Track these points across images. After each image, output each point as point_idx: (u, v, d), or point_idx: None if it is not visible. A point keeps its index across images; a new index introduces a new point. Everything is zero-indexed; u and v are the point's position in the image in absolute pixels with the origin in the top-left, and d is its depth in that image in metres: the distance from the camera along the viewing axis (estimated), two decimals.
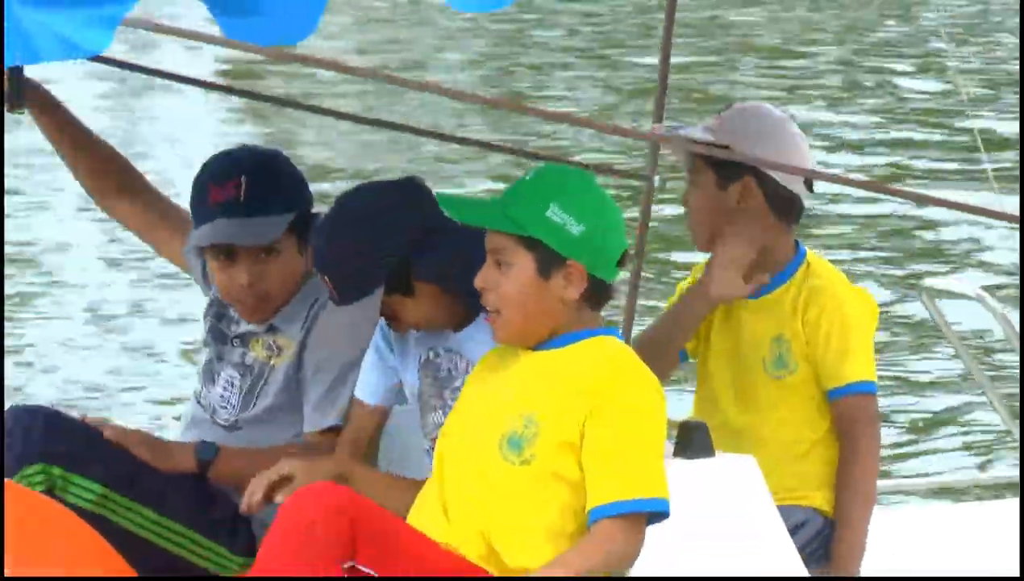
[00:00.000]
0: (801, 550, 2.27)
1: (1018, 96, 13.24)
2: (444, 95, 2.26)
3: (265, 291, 2.35)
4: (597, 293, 1.86)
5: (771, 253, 2.43)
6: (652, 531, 1.82)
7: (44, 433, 2.17)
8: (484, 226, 1.86)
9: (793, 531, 2.29)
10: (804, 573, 1.99)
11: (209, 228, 2.29)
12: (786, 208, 2.46)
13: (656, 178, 2.70)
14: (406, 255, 2.03)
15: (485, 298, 1.86)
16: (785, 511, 2.31)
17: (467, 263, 1.93)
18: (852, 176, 6.17)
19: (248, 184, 2.31)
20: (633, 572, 1.80)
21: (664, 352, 2.40)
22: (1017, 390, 2.92)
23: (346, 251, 2.03)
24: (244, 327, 2.44)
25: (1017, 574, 2.52)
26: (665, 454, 1.91)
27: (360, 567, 1.69)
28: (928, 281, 2.92)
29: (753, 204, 2.42)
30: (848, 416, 2.34)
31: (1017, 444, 2.35)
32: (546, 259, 1.80)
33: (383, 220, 2.04)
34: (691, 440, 1.96)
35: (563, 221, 1.80)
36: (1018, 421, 2.83)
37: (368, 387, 2.25)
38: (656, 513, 1.78)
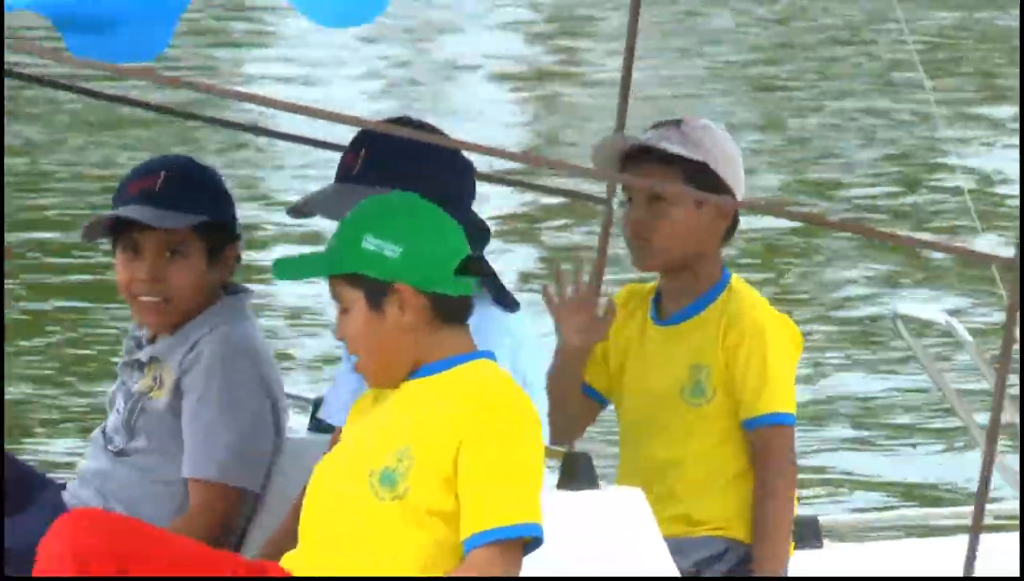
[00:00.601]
0: (715, 577, 2.23)
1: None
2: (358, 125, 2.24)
3: (165, 293, 2.33)
4: (445, 310, 1.81)
5: (698, 277, 2.38)
6: (534, 564, 1.79)
7: None
8: (308, 277, 1.87)
9: (712, 561, 2.24)
10: None
11: (120, 209, 2.32)
12: (732, 230, 2.44)
13: (615, 201, 2.67)
14: None
15: (347, 348, 1.86)
16: (705, 541, 2.26)
17: None
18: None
19: (166, 179, 2.33)
20: None
21: (565, 406, 2.34)
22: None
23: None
24: (143, 354, 2.41)
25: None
26: (548, 486, 1.89)
27: None
28: (900, 307, 2.92)
29: (721, 225, 2.39)
30: (762, 447, 2.27)
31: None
32: (373, 291, 1.78)
33: None
34: (575, 471, 1.91)
35: (378, 248, 1.78)
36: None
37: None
38: (531, 539, 1.74)
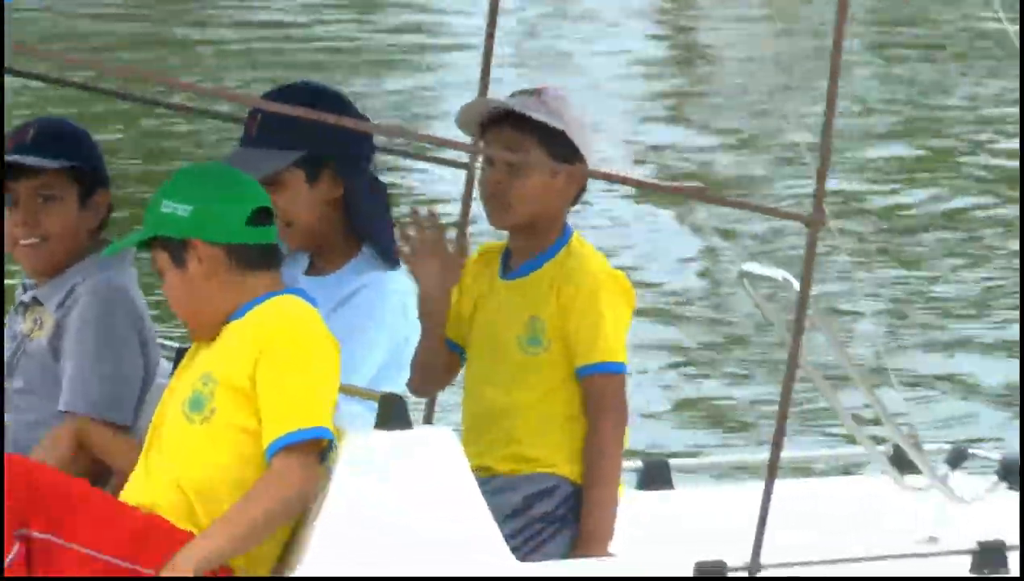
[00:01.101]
0: (550, 513, 2.41)
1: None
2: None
3: (41, 234, 2.46)
4: (245, 259, 1.99)
5: (543, 236, 2.53)
6: (353, 501, 1.96)
7: None
8: (124, 247, 2.13)
9: (542, 495, 2.42)
10: (498, 536, 2.11)
11: None
12: (580, 194, 2.58)
13: (478, 166, 2.81)
14: None
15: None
16: (536, 477, 2.43)
17: None
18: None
19: (37, 131, 2.50)
20: (319, 535, 1.94)
21: (430, 356, 2.49)
22: None
23: None
24: (27, 296, 2.55)
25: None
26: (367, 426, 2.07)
27: (35, 533, 1.86)
28: (745, 266, 3.04)
29: (572, 190, 2.53)
30: (595, 395, 2.42)
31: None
32: (174, 250, 1.97)
33: None
34: (390, 413, 2.08)
35: (172, 210, 1.96)
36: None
37: None
38: (326, 443, 1.96)
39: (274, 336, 1.95)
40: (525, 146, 2.45)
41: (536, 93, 2.54)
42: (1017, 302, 7.05)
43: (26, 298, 2.55)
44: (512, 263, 2.54)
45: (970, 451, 2.97)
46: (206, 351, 2.05)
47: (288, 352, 1.93)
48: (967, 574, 2.33)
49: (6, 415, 2.40)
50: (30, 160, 2.42)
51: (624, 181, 2.69)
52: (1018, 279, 7.29)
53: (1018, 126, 12.08)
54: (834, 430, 4.74)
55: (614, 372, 2.44)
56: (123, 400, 2.43)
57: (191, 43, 16.60)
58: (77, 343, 2.40)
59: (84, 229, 2.52)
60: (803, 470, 3.33)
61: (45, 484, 1.91)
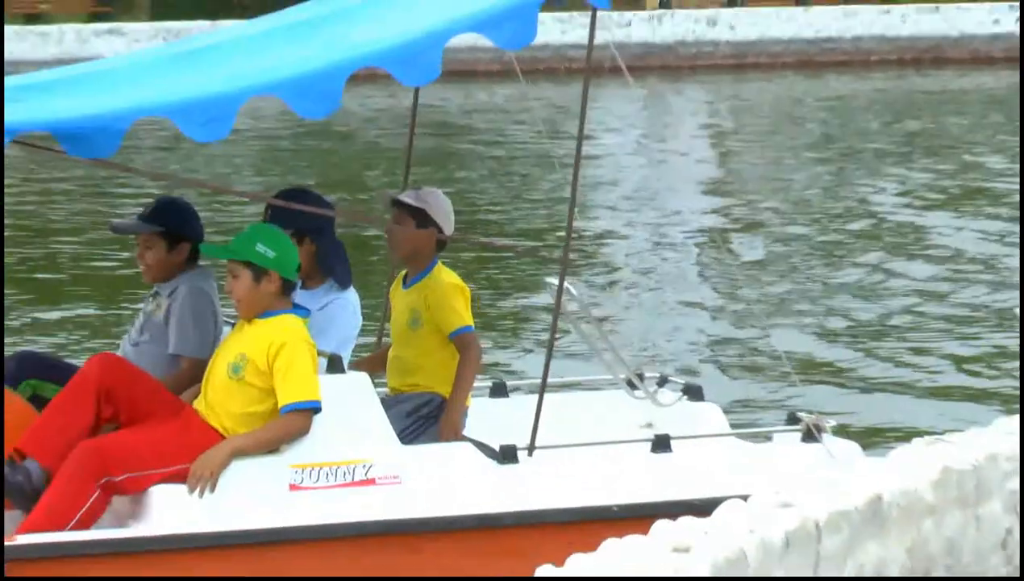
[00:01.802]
0: (428, 415, 4.40)
1: None
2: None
3: (146, 266, 4.32)
4: (285, 287, 3.82)
5: (420, 263, 4.56)
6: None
7: (31, 365, 4.30)
8: (224, 257, 3.88)
9: (423, 405, 4.45)
10: (390, 430, 3.99)
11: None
12: (442, 245, 4.62)
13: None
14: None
15: (231, 298, 3.93)
16: (421, 394, 4.47)
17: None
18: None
19: (151, 206, 4.40)
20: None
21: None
22: None
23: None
24: (153, 291, 4.42)
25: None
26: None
27: (116, 478, 3.57)
28: (548, 278, 5.08)
29: (433, 240, 4.53)
30: (461, 346, 4.39)
31: None
32: (257, 271, 3.73)
33: None
34: (334, 367, 4.02)
35: (264, 250, 3.73)
36: None
37: None
38: (316, 409, 3.77)
39: (286, 341, 3.73)
40: (404, 217, 4.46)
41: (418, 188, 4.62)
42: None
43: (152, 292, 4.44)
44: (406, 280, 4.61)
45: (670, 378, 5.10)
46: (244, 333, 3.84)
47: (295, 350, 3.72)
48: (648, 452, 4.37)
49: (136, 354, 4.25)
50: (137, 225, 4.37)
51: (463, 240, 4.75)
52: None
53: None
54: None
55: (468, 331, 4.45)
56: (204, 346, 4.19)
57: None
58: (179, 316, 4.22)
59: (173, 262, 4.30)
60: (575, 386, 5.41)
61: (136, 382, 3.86)
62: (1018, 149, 15.07)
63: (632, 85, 4.98)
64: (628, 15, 25.24)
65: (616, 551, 2.13)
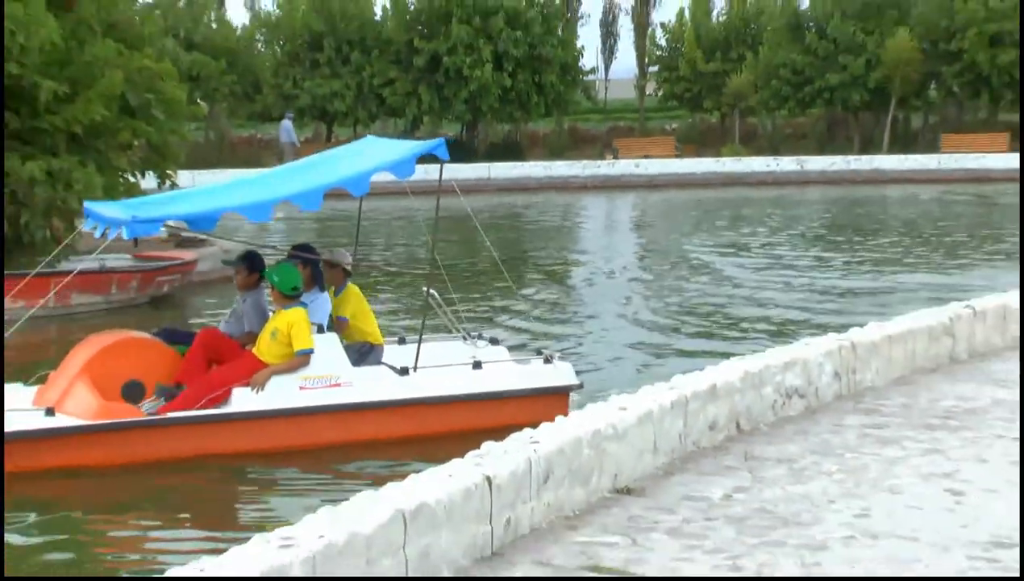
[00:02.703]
0: (361, 352, 8.95)
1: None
2: None
3: (237, 282, 8.99)
4: (291, 295, 8.33)
5: (335, 282, 9.16)
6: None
7: (172, 334, 8.95)
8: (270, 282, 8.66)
9: (359, 348, 9.05)
10: (344, 357, 8.57)
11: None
12: (349, 273, 9.31)
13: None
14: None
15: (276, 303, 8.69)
16: (360, 344, 9.04)
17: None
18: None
19: (244, 254, 9.12)
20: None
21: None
22: None
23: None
24: (240, 297, 9.13)
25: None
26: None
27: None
28: (427, 289, 9.76)
29: (340, 273, 9.20)
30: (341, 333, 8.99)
31: None
32: (280, 293, 8.40)
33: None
34: (317, 330, 8.66)
35: (276, 280, 8.35)
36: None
37: None
38: (311, 352, 8.30)
39: (294, 320, 8.22)
40: (330, 266, 9.19)
41: (332, 251, 9.65)
42: None
43: (240, 298, 9.08)
44: (336, 291, 9.24)
45: (482, 336, 9.57)
46: (277, 317, 8.32)
47: (300, 325, 8.22)
48: (471, 370, 8.80)
49: (227, 329, 9.02)
50: (236, 262, 9.06)
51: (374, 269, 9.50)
52: None
53: None
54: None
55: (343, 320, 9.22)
56: (258, 326, 8.64)
57: None
58: (252, 310, 8.91)
59: (249, 282, 8.91)
60: (437, 338, 10.06)
61: (223, 347, 8.53)
62: None
63: (465, 202, 9.24)
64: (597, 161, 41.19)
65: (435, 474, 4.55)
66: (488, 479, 4.47)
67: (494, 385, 8.71)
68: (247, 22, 42.55)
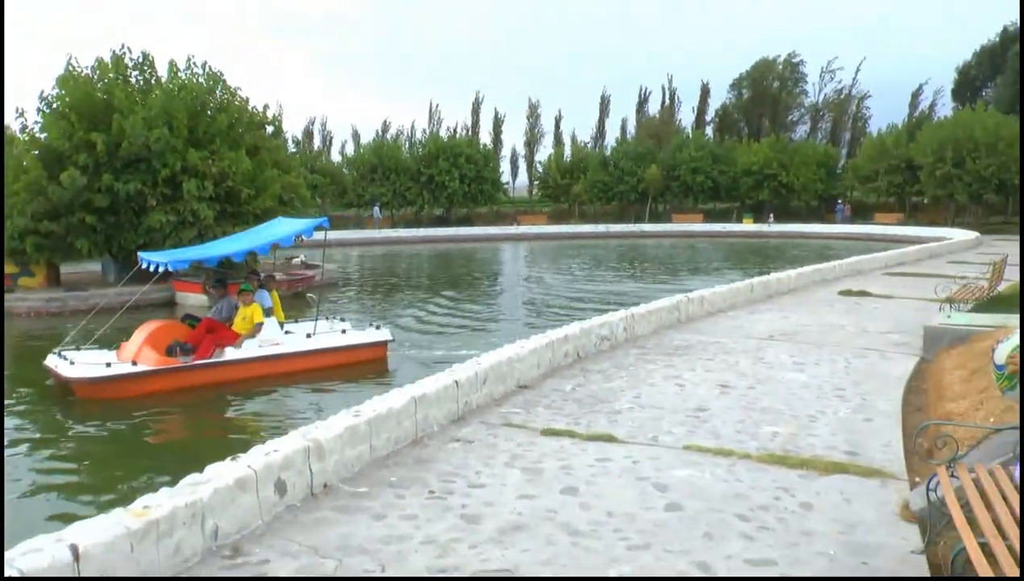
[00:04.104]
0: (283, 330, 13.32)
1: None
2: None
3: (209, 293, 16.30)
4: (248, 297, 14.63)
5: (269, 289, 15.07)
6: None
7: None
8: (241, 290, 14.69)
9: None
10: (279, 329, 13.29)
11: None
12: (269, 286, 14.76)
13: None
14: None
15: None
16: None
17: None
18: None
19: (222, 282, 15.81)
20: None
21: None
22: None
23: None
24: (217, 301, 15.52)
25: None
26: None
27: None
28: (308, 293, 14.41)
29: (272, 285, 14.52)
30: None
31: None
32: (244, 296, 14.79)
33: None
34: (267, 315, 12.98)
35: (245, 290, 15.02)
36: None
37: None
38: (262, 325, 14.35)
39: (255, 310, 15.01)
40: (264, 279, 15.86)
41: (273, 274, 15.48)
42: None
43: (219, 301, 15.64)
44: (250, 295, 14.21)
45: (339, 319, 16.35)
46: (244, 309, 15.02)
47: (256, 311, 15.00)
48: (339, 334, 14.75)
49: (215, 315, 13.69)
50: (216, 286, 15.70)
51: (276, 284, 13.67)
52: None
53: None
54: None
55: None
56: (230, 319, 14.83)
57: None
58: (225, 307, 15.43)
59: (222, 294, 15.78)
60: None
61: (215, 326, 13.77)
62: None
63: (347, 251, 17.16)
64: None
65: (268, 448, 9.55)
66: (456, 382, 8.79)
67: (352, 340, 16.05)
68: (340, 159, 78.99)
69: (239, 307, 15.23)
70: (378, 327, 16.72)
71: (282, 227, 16.57)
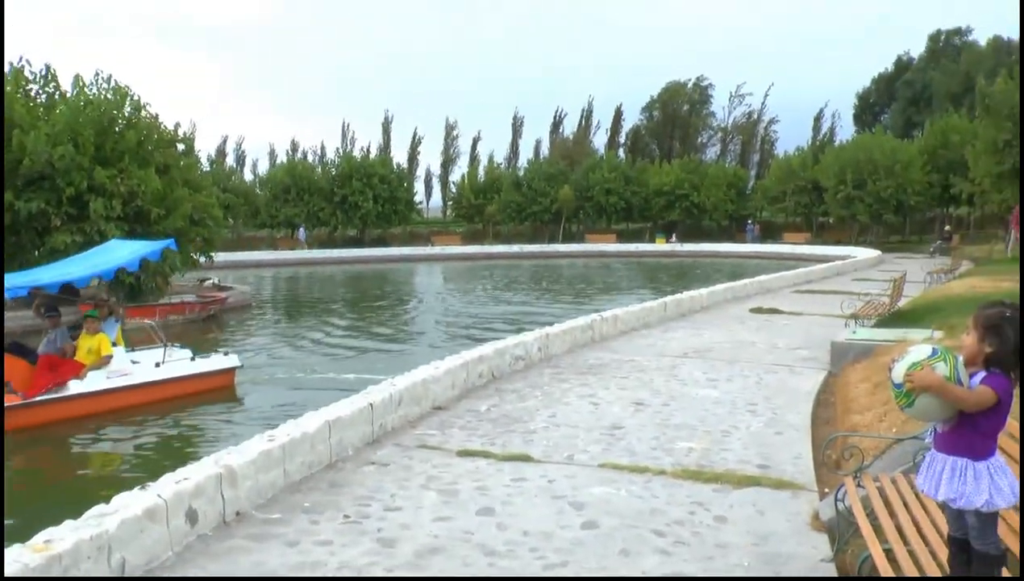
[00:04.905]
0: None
1: None
2: None
3: (50, 323, 14.92)
4: (101, 326, 14.17)
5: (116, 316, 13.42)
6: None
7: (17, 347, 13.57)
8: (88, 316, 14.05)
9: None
10: (126, 357, 13.25)
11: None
12: (114, 312, 14.07)
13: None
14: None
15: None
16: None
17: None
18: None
19: (51, 303, 15.19)
20: None
21: None
22: None
23: None
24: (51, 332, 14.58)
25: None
26: None
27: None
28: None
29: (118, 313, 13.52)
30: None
31: None
32: (95, 322, 14.32)
33: None
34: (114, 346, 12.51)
35: (95, 316, 14.44)
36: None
37: None
38: (111, 357, 13.97)
39: (101, 340, 14.22)
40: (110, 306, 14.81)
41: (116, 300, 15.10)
42: None
43: (53, 331, 14.68)
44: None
45: (180, 347, 15.77)
46: (89, 339, 14.15)
47: (104, 342, 14.15)
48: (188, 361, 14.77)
49: (52, 349, 13.67)
50: (51, 314, 14.69)
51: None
52: None
53: None
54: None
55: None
56: (70, 348, 14.19)
57: None
58: (60, 337, 14.86)
59: (57, 323, 14.70)
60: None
61: (56, 362, 13.16)
62: None
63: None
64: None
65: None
66: (371, 404, 8.69)
67: (203, 367, 15.63)
68: (253, 178, 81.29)
69: (80, 337, 14.31)
70: (226, 353, 16.34)
71: (123, 251, 15.74)
